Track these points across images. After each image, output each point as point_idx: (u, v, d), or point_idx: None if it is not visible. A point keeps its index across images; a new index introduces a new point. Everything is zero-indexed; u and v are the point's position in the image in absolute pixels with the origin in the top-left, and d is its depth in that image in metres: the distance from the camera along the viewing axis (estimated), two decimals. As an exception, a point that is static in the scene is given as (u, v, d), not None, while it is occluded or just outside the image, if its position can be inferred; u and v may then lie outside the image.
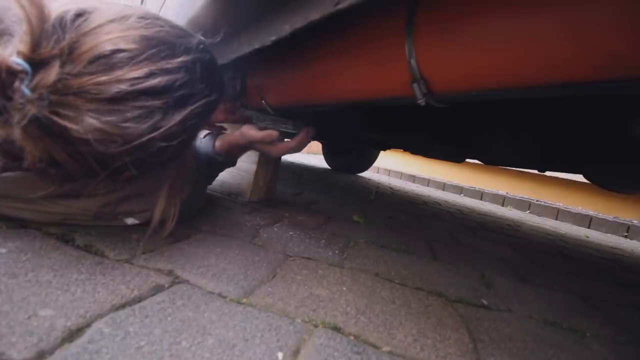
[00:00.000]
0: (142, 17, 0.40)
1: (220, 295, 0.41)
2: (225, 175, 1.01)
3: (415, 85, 0.41)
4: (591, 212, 2.83)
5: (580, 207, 3.04)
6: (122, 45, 0.37)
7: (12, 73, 0.33)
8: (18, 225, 0.49)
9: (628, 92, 0.31)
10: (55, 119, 0.35)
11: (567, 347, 0.47)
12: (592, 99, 0.80)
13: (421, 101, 0.43)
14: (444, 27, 0.37)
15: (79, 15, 0.37)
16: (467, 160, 1.72)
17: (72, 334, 0.29)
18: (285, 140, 0.77)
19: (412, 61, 0.40)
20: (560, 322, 0.55)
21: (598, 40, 0.27)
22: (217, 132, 0.78)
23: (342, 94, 0.56)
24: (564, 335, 0.51)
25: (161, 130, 0.40)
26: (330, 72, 0.55)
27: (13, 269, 0.37)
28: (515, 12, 0.31)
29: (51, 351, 0.27)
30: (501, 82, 0.35)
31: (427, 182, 3.57)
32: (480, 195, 3.18)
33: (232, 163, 0.80)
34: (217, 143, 0.74)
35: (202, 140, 0.75)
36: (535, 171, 1.99)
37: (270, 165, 1.03)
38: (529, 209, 2.87)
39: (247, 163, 0.99)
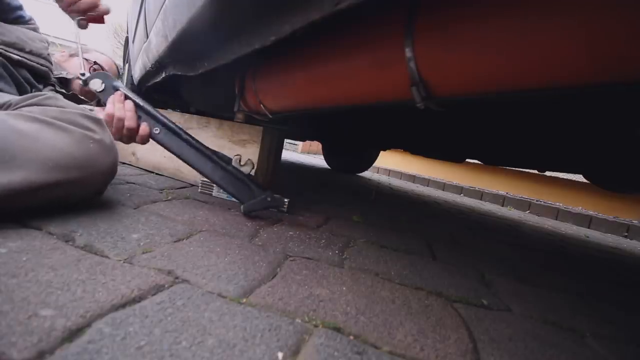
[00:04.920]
0: None
1: (220, 295, 0.41)
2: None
3: (414, 89, 0.41)
4: (591, 212, 2.83)
5: (580, 207, 3.04)
6: None
7: None
8: (19, 225, 0.49)
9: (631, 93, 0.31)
10: None
11: (566, 347, 0.47)
12: (593, 101, 0.80)
13: (420, 104, 0.43)
14: (444, 30, 0.37)
15: None
16: (467, 160, 1.72)
17: (72, 334, 0.29)
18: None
19: (412, 64, 0.40)
20: (559, 322, 0.55)
21: (602, 43, 0.27)
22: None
23: (342, 98, 0.56)
24: (564, 335, 0.51)
25: None
26: (329, 76, 0.55)
27: (13, 268, 0.37)
28: (516, 15, 0.31)
29: (51, 351, 0.27)
30: (501, 85, 0.35)
31: (427, 182, 3.57)
32: (480, 195, 3.18)
33: None
34: None
35: None
36: (535, 171, 2.00)
37: (271, 153, 1.04)
38: (529, 209, 2.87)
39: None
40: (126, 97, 0.77)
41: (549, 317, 0.56)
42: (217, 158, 0.79)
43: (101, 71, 0.87)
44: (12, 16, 0.89)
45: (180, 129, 0.79)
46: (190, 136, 0.79)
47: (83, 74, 0.77)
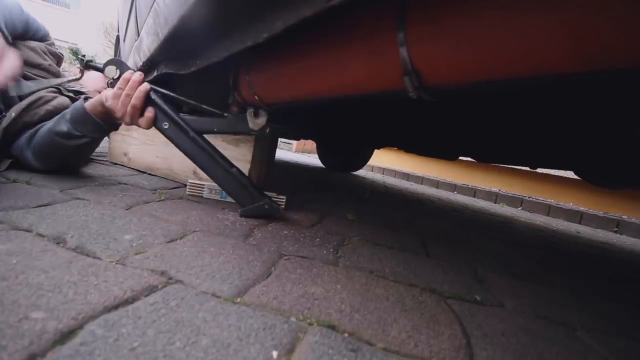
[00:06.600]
0: None
1: (214, 295, 0.41)
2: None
3: (406, 78, 0.42)
4: (582, 208, 2.87)
5: (572, 204, 3.08)
6: None
7: None
8: (9, 227, 0.48)
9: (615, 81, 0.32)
10: None
11: (558, 340, 0.48)
12: (584, 99, 0.81)
13: (412, 94, 0.43)
14: (435, 19, 0.37)
15: None
16: (460, 158, 1.74)
17: (64, 336, 0.29)
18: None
19: (404, 53, 0.40)
20: (551, 317, 0.56)
21: (584, 31, 0.27)
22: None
23: (334, 88, 0.56)
24: (555, 329, 0.51)
25: None
26: (322, 66, 0.55)
27: (3, 271, 0.36)
28: (505, 5, 0.31)
29: (43, 354, 0.26)
30: (490, 74, 0.36)
31: (421, 180, 3.59)
32: (474, 192, 3.20)
33: (111, 125, 0.86)
34: (88, 104, 0.82)
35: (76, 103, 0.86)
36: (527, 168, 2.02)
37: (264, 152, 1.04)
38: (521, 206, 2.91)
39: (240, 162, 0.99)
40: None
41: (541, 312, 0.57)
42: (221, 159, 0.81)
43: (116, 58, 0.87)
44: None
45: (189, 126, 0.80)
46: (197, 134, 0.81)
47: (84, 56, 0.83)
